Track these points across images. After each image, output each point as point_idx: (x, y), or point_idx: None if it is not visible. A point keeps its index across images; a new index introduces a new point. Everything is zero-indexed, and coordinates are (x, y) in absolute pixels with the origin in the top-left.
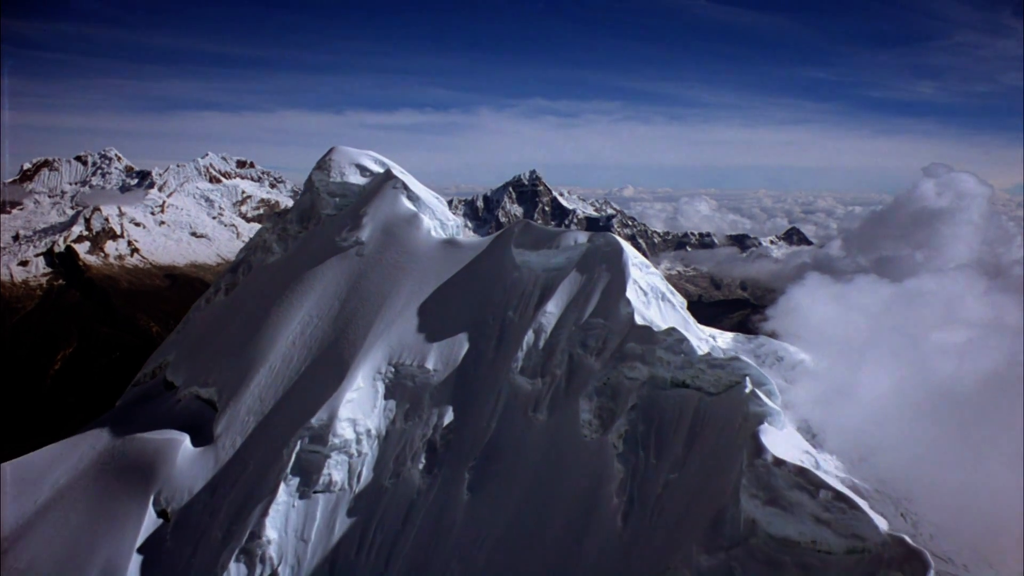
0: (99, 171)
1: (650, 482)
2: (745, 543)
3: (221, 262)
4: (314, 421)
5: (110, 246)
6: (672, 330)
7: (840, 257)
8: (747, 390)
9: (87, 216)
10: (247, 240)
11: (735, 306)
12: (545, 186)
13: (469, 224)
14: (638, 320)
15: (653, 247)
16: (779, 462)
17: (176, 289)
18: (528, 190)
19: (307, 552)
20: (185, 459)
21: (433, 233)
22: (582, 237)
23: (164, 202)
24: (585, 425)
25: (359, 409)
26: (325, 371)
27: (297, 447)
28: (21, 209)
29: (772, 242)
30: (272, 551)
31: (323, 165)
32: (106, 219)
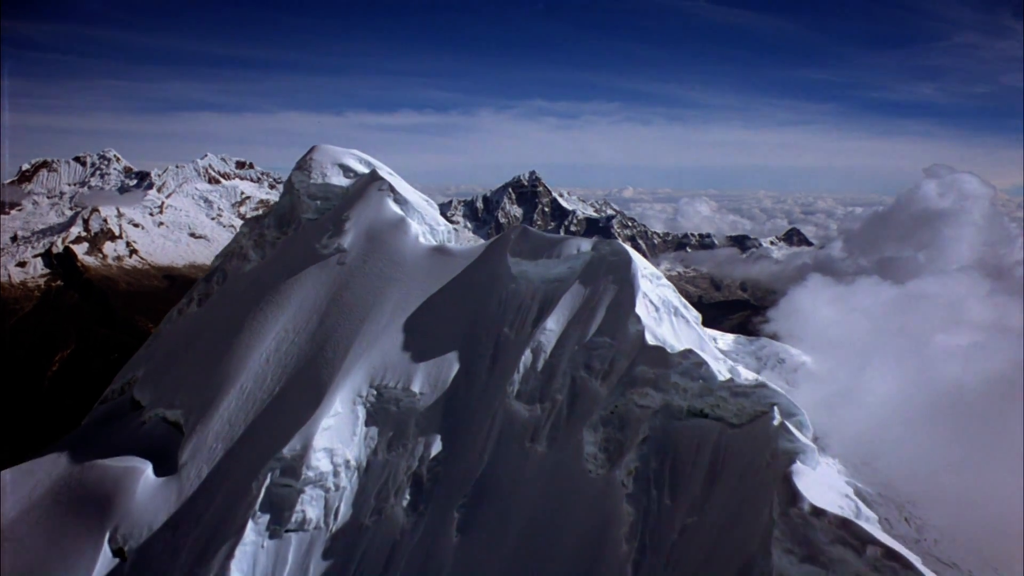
0: (98, 172)
1: (664, 527)
2: None
3: None
4: (286, 451)
5: (109, 247)
6: (689, 352)
7: (841, 258)
8: (775, 422)
9: (85, 217)
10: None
11: (735, 307)
12: (545, 187)
13: (469, 225)
14: (649, 339)
15: (653, 248)
16: (818, 512)
17: (175, 290)
18: (528, 191)
19: None
20: (146, 490)
21: (421, 239)
22: (585, 245)
23: (163, 203)
24: (590, 459)
25: (337, 437)
26: (300, 393)
27: (267, 480)
28: (20, 210)
29: (772, 243)
30: None
31: (303, 165)
32: (104, 220)
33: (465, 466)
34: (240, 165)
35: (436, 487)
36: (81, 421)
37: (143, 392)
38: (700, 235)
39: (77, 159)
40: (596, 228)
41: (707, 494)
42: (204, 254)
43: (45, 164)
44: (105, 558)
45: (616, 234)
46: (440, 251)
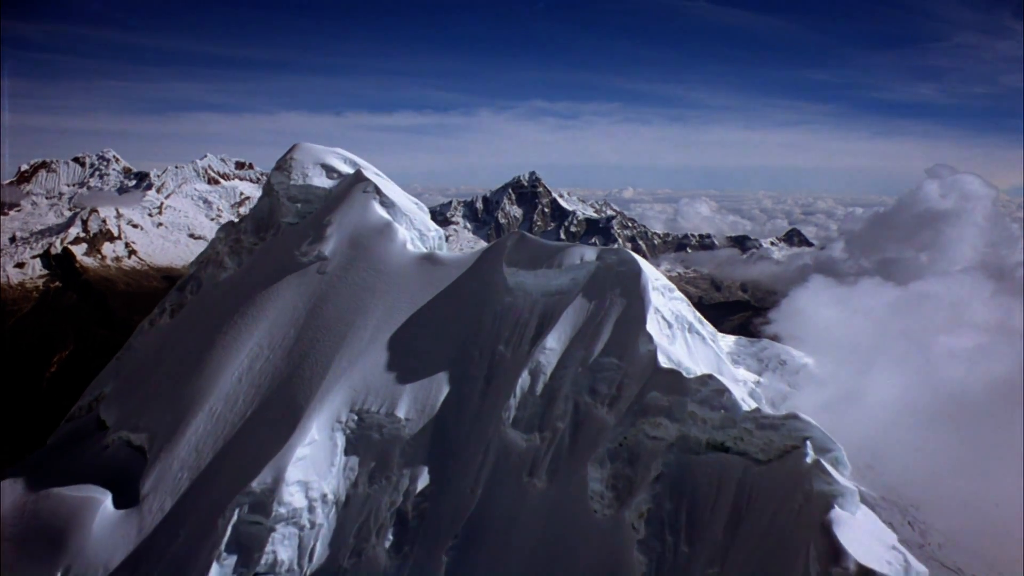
0: (97, 172)
1: None
2: None
3: None
4: (255, 485)
5: (107, 248)
6: (709, 377)
7: (843, 259)
8: (809, 458)
9: (84, 218)
10: None
11: (736, 308)
12: (545, 187)
13: (468, 226)
14: (662, 361)
15: (653, 249)
16: (866, 572)
17: None
18: (528, 191)
19: None
20: (104, 524)
21: (409, 246)
22: (590, 253)
23: (162, 204)
24: (595, 498)
25: (312, 469)
26: (274, 418)
27: (234, 517)
28: (19, 211)
29: (772, 243)
30: None
31: (283, 165)
32: (103, 221)
33: (455, 502)
34: (240, 166)
35: (422, 526)
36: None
37: (109, 412)
38: (700, 236)
39: (76, 160)
40: (596, 229)
41: (730, 541)
42: None
43: (44, 165)
44: None
45: (616, 235)
46: (429, 259)
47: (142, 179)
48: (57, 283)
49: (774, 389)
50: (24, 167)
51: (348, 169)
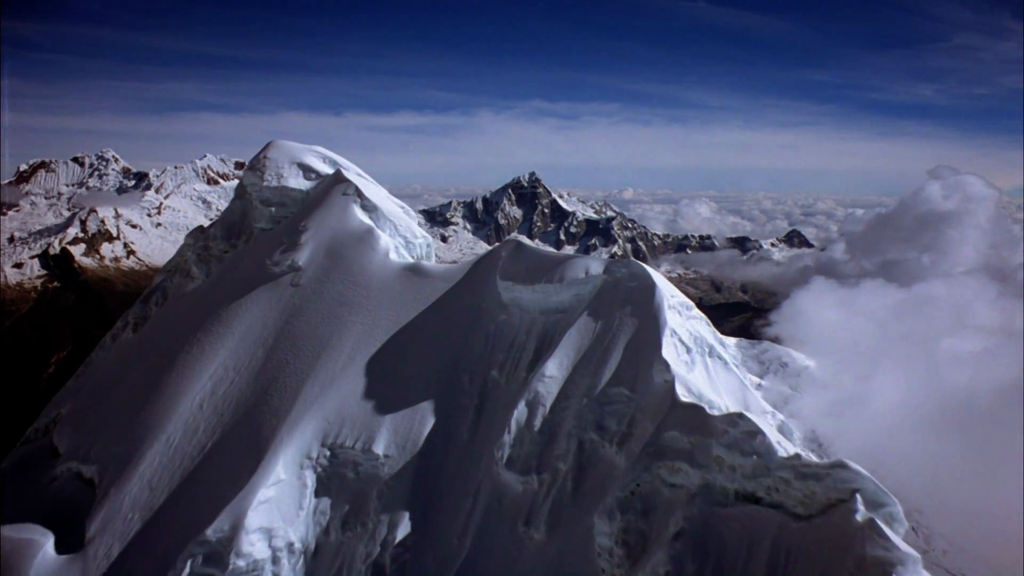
0: (96, 173)
1: None
2: None
3: None
4: (211, 532)
5: (106, 248)
6: (739, 417)
7: (844, 260)
8: (860, 516)
9: (83, 218)
10: None
11: (736, 309)
12: (545, 188)
13: (468, 226)
14: (681, 394)
15: (653, 250)
16: None
17: None
18: (528, 192)
19: None
20: (42, 572)
21: (393, 255)
22: (595, 265)
23: (161, 204)
24: (603, 555)
25: (277, 513)
26: (236, 452)
27: (186, 569)
28: (17, 211)
29: (773, 244)
30: None
31: (256, 165)
32: (102, 221)
33: (440, 554)
34: (239, 166)
35: None
36: None
37: (61, 437)
38: (700, 237)
39: (75, 160)
40: (596, 230)
41: None
42: None
43: (43, 165)
44: None
45: (616, 236)
46: (415, 271)
47: (141, 179)
48: (55, 283)
49: (776, 392)
50: (23, 167)
51: (327, 169)
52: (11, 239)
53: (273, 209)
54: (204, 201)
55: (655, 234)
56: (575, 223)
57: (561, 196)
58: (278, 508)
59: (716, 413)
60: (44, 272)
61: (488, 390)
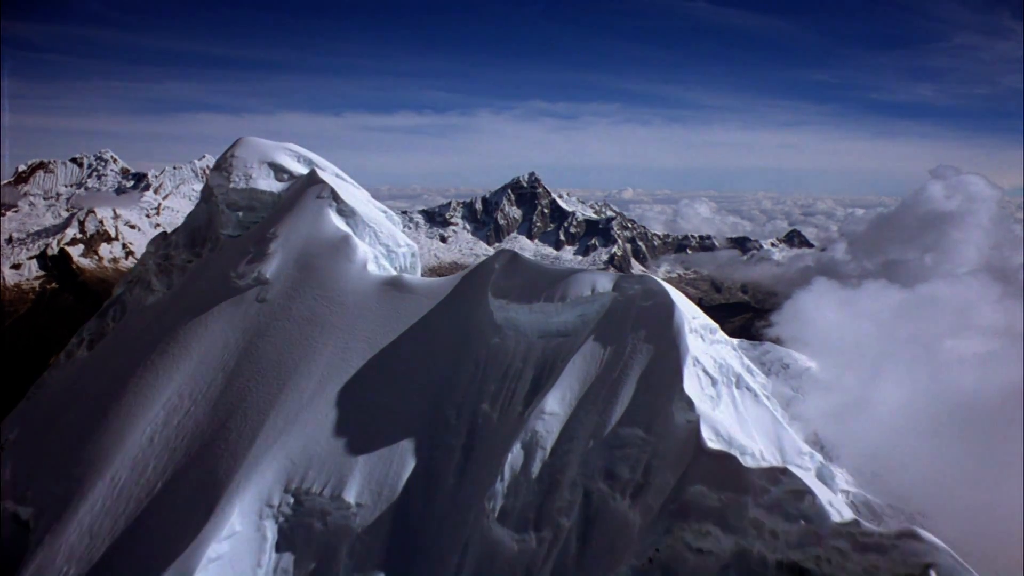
0: (95, 173)
1: None
2: None
3: None
4: None
5: (104, 249)
6: (782, 472)
7: (845, 261)
8: None
9: (81, 219)
10: None
11: (736, 310)
12: (544, 188)
13: (468, 227)
14: (708, 438)
15: (653, 250)
16: None
17: None
18: (527, 192)
19: None
20: None
21: (372, 267)
22: (603, 281)
23: (160, 204)
24: None
25: (231, 571)
26: (187, 496)
27: None
28: (16, 211)
29: (773, 244)
30: None
31: (222, 165)
32: (100, 221)
33: None
34: None
35: None
36: None
37: (3, 469)
38: (700, 237)
39: (74, 160)
40: (596, 230)
41: None
42: None
43: (42, 165)
44: None
45: (616, 236)
46: (396, 285)
47: (140, 180)
48: (53, 284)
49: (777, 393)
50: (22, 167)
51: (301, 169)
52: (9, 240)
53: (240, 214)
54: None
55: (655, 234)
56: (575, 223)
57: (561, 196)
58: (232, 566)
59: (750, 462)
60: (42, 273)
61: (478, 427)
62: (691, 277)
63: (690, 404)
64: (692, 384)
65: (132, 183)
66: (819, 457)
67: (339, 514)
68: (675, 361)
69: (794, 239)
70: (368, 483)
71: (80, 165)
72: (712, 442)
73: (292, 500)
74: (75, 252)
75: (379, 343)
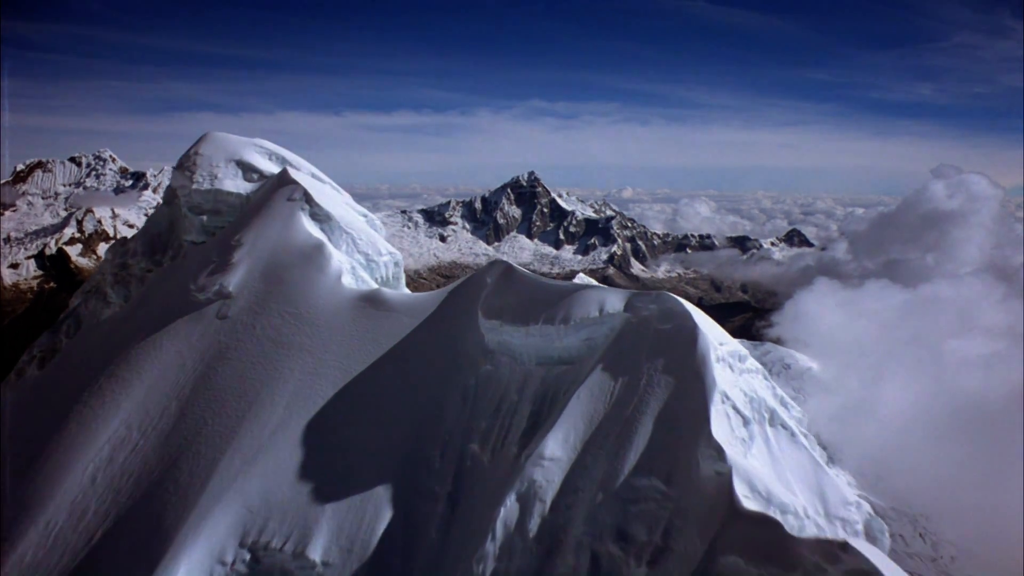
0: (93, 172)
1: None
2: None
3: None
4: None
5: (102, 248)
6: (842, 548)
7: (846, 260)
8: None
9: (79, 218)
10: None
11: (736, 309)
12: (544, 187)
13: (467, 226)
14: (743, 495)
15: (653, 249)
16: None
17: None
18: (527, 191)
19: None
20: None
21: (347, 279)
22: (614, 300)
23: (158, 204)
24: None
25: None
26: (130, 547)
27: None
28: (14, 211)
29: (773, 244)
30: None
31: (185, 163)
32: (99, 221)
33: None
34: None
35: None
36: None
37: None
38: (700, 236)
39: (72, 159)
40: (595, 229)
41: None
42: None
43: (40, 164)
44: None
45: (616, 235)
46: (374, 301)
47: (138, 179)
48: (52, 284)
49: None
50: (20, 167)
51: (272, 168)
52: (7, 239)
53: (205, 218)
54: None
55: (655, 233)
56: (574, 222)
57: (560, 195)
58: None
59: (793, 523)
60: (40, 272)
61: (466, 471)
62: (691, 276)
63: (720, 452)
64: (721, 426)
65: (131, 182)
66: (867, 507)
67: (303, 574)
68: (700, 397)
69: (794, 238)
70: (337, 537)
71: (78, 164)
72: (748, 500)
73: (248, 556)
74: (73, 252)
75: (353, 369)
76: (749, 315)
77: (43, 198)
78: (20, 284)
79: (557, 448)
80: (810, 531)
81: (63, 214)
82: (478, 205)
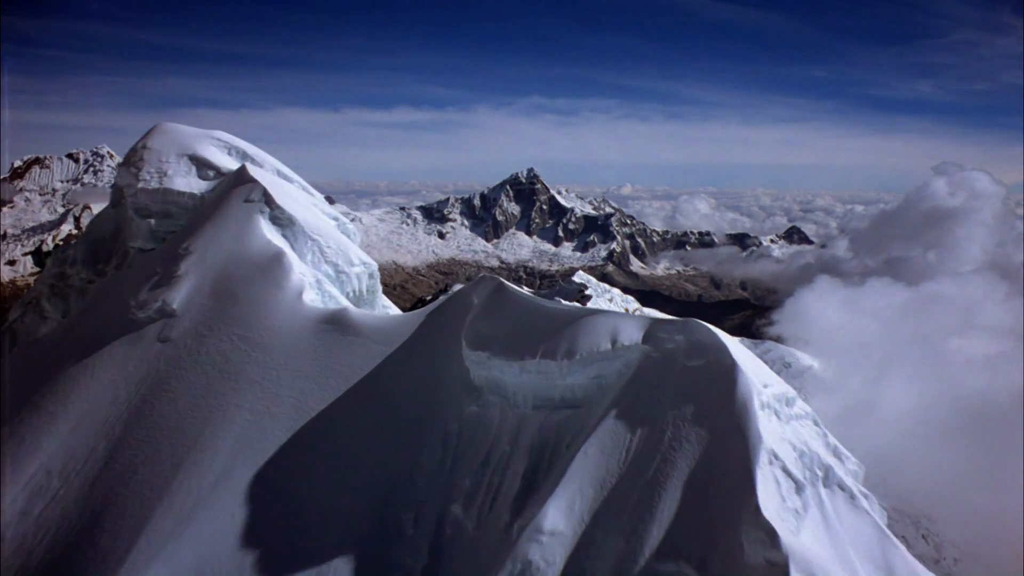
0: (91, 169)
1: None
2: None
3: None
4: None
5: None
6: None
7: (847, 258)
8: None
9: (77, 214)
10: None
11: (736, 307)
12: (543, 184)
13: (466, 223)
14: None
15: (652, 246)
16: None
17: None
18: (526, 188)
19: None
20: None
21: (311, 296)
22: (630, 329)
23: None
24: None
25: None
26: None
27: None
28: (11, 207)
29: (772, 241)
30: None
31: (132, 158)
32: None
33: None
34: None
35: None
36: None
37: None
38: (700, 233)
39: (70, 155)
40: (595, 226)
41: None
42: None
43: (37, 160)
44: None
45: (615, 232)
46: (339, 323)
47: None
48: None
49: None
50: (17, 163)
51: (231, 163)
52: (4, 236)
53: (153, 221)
54: None
55: (654, 230)
56: (573, 219)
57: (559, 192)
58: None
59: None
60: (38, 269)
61: (445, 542)
62: (690, 274)
63: (771, 534)
64: (770, 496)
65: None
66: None
67: None
68: (743, 458)
69: (793, 236)
70: None
71: (76, 160)
72: None
73: None
74: None
75: (310, 408)
76: (749, 313)
77: (40, 194)
78: (17, 281)
79: (559, 519)
80: None
81: (60, 210)
82: (477, 202)
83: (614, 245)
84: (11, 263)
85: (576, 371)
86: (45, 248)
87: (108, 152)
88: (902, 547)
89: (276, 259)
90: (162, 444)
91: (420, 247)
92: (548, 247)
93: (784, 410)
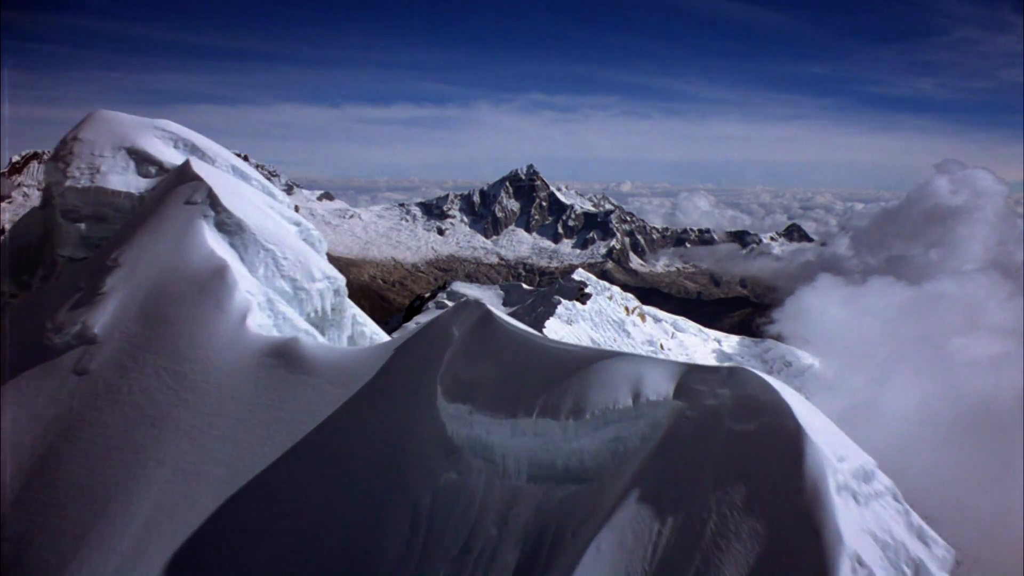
0: None
1: None
2: None
3: None
4: None
5: None
6: None
7: (847, 256)
8: None
9: None
10: None
11: (735, 304)
12: (543, 181)
13: (465, 219)
14: None
15: (652, 243)
16: None
17: None
18: (525, 185)
19: None
20: None
21: (258, 321)
22: (658, 379)
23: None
24: None
25: None
26: None
27: None
28: (10, 202)
29: (772, 239)
30: None
31: (61, 152)
32: None
33: None
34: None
35: None
36: None
37: None
38: (699, 230)
39: None
40: (595, 223)
41: None
42: None
43: (36, 156)
44: None
45: (615, 229)
46: (288, 357)
47: None
48: None
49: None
50: (15, 158)
51: (179, 158)
52: (2, 231)
53: (83, 226)
54: None
55: (654, 227)
56: (573, 216)
57: (559, 189)
58: None
59: None
60: None
61: None
62: (690, 271)
63: None
64: None
65: None
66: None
67: None
68: (816, 567)
69: (793, 233)
70: None
71: None
72: None
73: None
74: None
75: (246, 468)
76: (749, 311)
77: (39, 189)
78: None
79: None
80: None
81: None
82: (476, 198)
83: (614, 242)
84: None
85: (585, 434)
86: None
87: None
88: None
89: (218, 274)
90: (65, 509)
91: (419, 243)
92: (547, 244)
93: (862, 488)
